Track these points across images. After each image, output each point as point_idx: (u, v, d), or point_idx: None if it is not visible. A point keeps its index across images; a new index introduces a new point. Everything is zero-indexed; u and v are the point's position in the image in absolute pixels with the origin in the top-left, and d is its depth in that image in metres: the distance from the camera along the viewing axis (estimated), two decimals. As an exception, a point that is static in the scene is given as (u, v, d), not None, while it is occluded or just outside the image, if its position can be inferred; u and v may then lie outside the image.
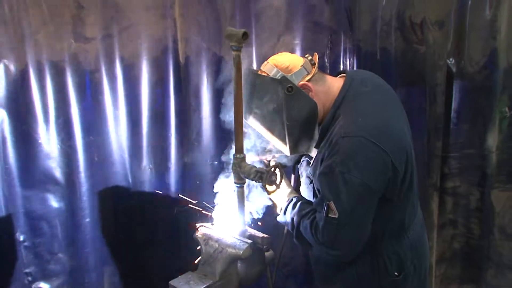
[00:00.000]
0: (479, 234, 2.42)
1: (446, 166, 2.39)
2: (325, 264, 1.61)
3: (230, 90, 1.45)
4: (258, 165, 1.54)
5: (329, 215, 1.35)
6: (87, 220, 2.02)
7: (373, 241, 1.45)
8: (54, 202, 1.98)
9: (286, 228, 1.68)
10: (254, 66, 2.09)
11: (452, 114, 2.32)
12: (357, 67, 2.20)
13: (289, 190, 1.66)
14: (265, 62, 1.48)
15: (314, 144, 1.49)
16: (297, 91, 1.41)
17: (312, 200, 1.53)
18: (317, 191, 1.44)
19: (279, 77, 1.42)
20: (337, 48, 2.18)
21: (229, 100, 1.51)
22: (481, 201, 2.38)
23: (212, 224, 1.62)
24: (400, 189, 1.41)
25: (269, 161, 1.71)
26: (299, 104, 1.43)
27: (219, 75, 2.00)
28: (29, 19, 1.81)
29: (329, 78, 1.51)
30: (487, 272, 2.43)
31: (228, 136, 1.66)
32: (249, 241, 1.48)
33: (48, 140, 1.93)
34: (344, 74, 1.53)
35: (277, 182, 1.45)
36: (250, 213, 1.67)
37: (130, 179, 2.07)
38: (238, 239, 1.49)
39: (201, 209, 1.66)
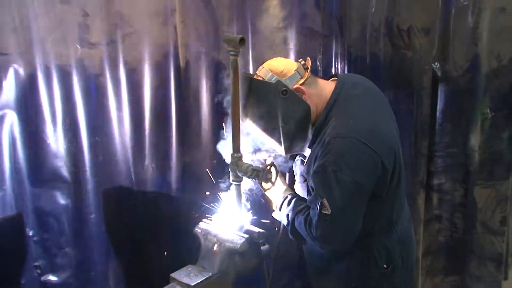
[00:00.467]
0: (462, 228, 2.48)
1: (432, 164, 2.43)
2: (318, 257, 1.65)
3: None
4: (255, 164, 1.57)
5: (323, 212, 1.37)
6: (92, 216, 2.04)
7: (363, 236, 1.47)
8: (61, 199, 2.00)
9: (281, 224, 1.72)
10: (250, 71, 2.11)
11: (438, 115, 2.37)
12: (348, 71, 2.22)
13: (284, 187, 1.69)
14: (261, 67, 1.52)
15: (307, 144, 1.53)
16: (291, 94, 1.45)
17: (306, 197, 1.56)
18: (311, 189, 1.47)
19: (274, 81, 1.45)
20: (329, 53, 2.21)
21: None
22: (464, 197, 2.43)
23: (211, 220, 1.64)
24: (389, 186, 1.45)
25: (265, 160, 1.73)
26: (293, 106, 1.45)
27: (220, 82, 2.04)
28: (38, 27, 1.82)
29: (322, 82, 1.55)
30: (470, 264, 2.50)
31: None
32: (246, 235, 1.50)
33: (55, 140, 1.94)
34: (336, 78, 1.55)
35: (273, 180, 1.47)
36: (248, 209, 1.68)
37: (133, 177, 2.09)
38: (236, 234, 1.52)
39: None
